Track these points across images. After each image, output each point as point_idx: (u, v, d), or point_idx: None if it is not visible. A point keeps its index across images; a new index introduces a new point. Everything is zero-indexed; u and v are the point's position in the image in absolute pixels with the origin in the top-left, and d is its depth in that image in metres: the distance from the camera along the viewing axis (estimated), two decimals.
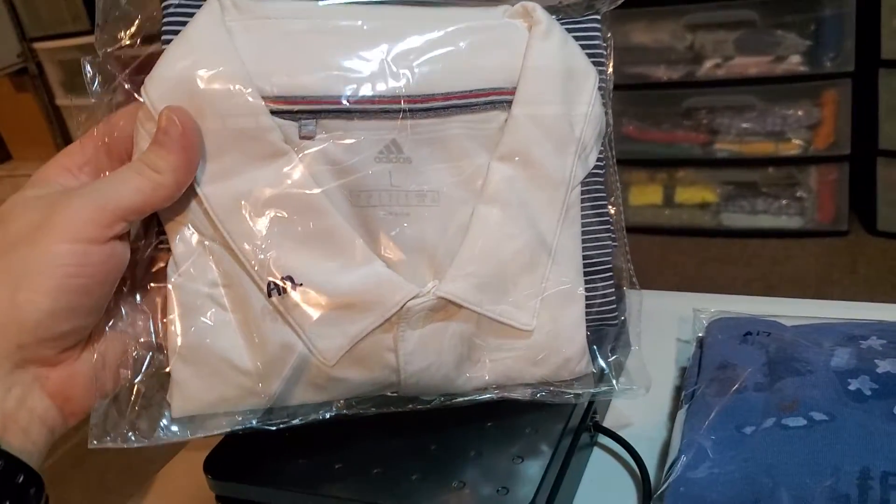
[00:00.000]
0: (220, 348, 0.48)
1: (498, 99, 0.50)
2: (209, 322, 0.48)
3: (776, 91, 2.18)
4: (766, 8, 2.11)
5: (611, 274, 0.54)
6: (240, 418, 0.49)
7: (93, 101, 0.50)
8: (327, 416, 0.50)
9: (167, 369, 0.48)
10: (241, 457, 0.54)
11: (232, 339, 0.48)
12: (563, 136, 0.51)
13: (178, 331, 0.48)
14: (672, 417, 0.58)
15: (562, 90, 0.51)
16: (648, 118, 2.30)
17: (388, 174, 0.49)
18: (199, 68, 0.47)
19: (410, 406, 0.51)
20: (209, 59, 0.47)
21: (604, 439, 0.59)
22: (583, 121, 0.52)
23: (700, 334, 0.64)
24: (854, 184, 2.20)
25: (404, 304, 0.47)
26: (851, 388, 0.52)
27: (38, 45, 3.26)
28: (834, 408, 0.51)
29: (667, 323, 0.56)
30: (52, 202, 0.45)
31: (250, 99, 0.47)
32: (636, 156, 2.34)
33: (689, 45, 2.21)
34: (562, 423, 0.53)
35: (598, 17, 0.54)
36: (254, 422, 0.49)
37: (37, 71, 3.34)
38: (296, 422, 0.49)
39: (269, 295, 0.47)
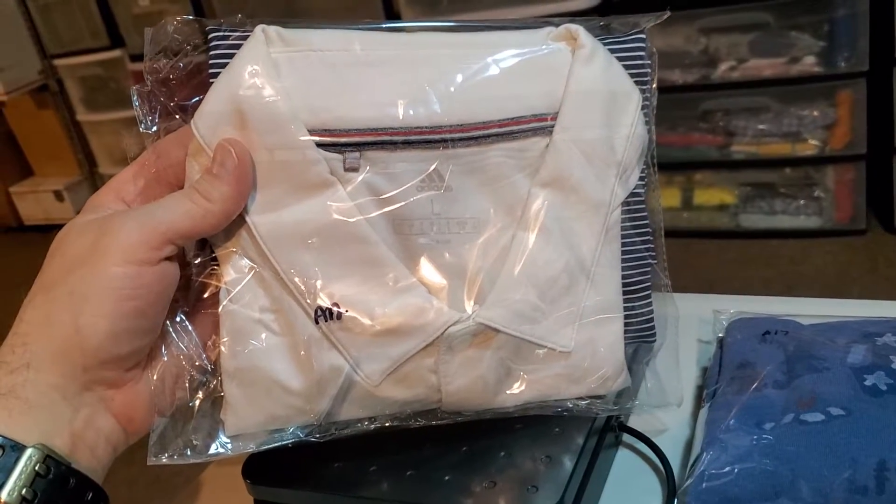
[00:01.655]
0: (271, 370, 0.50)
1: (539, 126, 0.51)
2: (260, 346, 0.50)
3: (791, 92, 2.18)
4: (780, 10, 2.12)
5: (649, 293, 0.55)
6: (289, 433, 0.51)
7: (143, 129, 0.52)
8: (371, 427, 0.52)
9: (219, 395, 0.50)
10: (278, 461, 0.55)
11: (281, 362, 0.50)
12: (605, 159, 0.52)
13: (231, 354, 0.50)
14: (694, 416, 0.59)
15: (604, 114, 0.52)
16: (665, 122, 2.31)
17: (430, 202, 0.50)
18: (245, 102, 0.48)
19: (450, 419, 0.53)
20: (255, 93, 0.48)
21: (629, 438, 0.60)
22: (625, 143, 0.52)
23: (720, 335, 0.65)
24: (871, 182, 2.20)
25: (445, 330, 0.49)
26: (867, 383, 0.53)
27: (58, 62, 3.30)
28: (851, 403, 0.52)
29: (688, 324, 0.58)
30: (105, 225, 0.47)
31: (296, 133, 0.48)
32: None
33: (704, 48, 2.22)
34: (588, 423, 0.55)
35: (643, 35, 0.54)
36: (301, 434, 0.51)
37: (57, 88, 3.38)
38: (343, 433, 0.51)
39: (317, 321, 0.49)
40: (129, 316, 0.46)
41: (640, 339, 0.55)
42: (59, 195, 3.57)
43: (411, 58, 0.51)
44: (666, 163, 2.35)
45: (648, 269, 0.55)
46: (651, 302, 0.55)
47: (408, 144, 0.49)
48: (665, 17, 0.55)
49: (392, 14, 2.45)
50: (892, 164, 2.16)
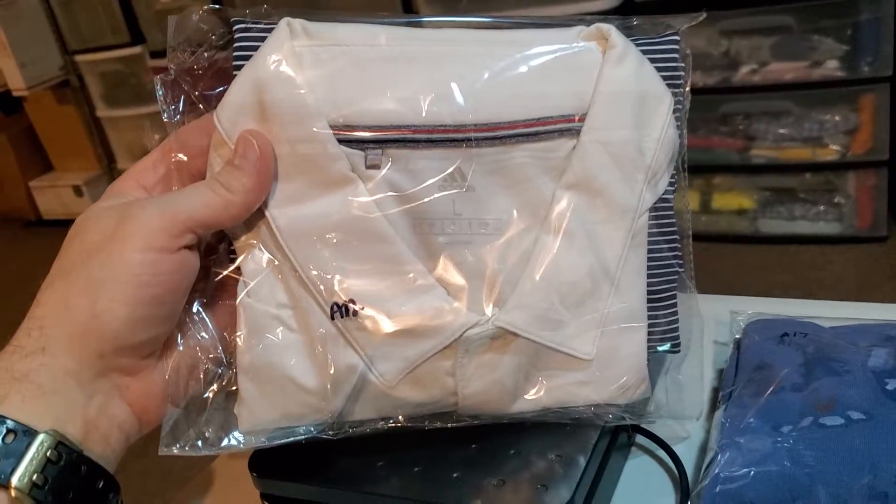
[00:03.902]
0: (286, 367, 0.49)
1: (566, 127, 0.50)
2: (276, 341, 0.49)
3: (813, 96, 2.17)
4: (803, 13, 2.10)
5: (675, 301, 0.54)
6: (302, 429, 0.51)
7: (164, 119, 0.52)
8: (386, 427, 0.51)
9: (233, 387, 0.50)
10: (285, 455, 0.54)
11: (297, 359, 0.49)
12: (633, 163, 0.50)
13: (246, 349, 0.49)
14: (709, 418, 0.58)
15: (634, 117, 0.50)
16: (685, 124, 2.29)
17: (451, 202, 0.49)
18: (268, 95, 0.48)
19: (468, 421, 0.52)
20: (279, 86, 0.48)
21: (641, 439, 0.59)
22: (654, 146, 0.51)
23: (737, 336, 0.64)
24: (893, 189, 2.18)
25: (464, 333, 0.48)
26: (889, 387, 0.52)
27: (79, 58, 3.31)
28: (872, 407, 0.51)
29: (704, 325, 0.57)
30: (125, 211, 0.47)
31: (318, 127, 0.48)
32: None
33: (725, 50, 2.20)
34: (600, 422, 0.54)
35: (677, 37, 0.53)
36: (314, 431, 0.51)
37: (78, 83, 3.40)
38: (357, 431, 0.51)
39: (332, 317, 0.48)
40: (147, 303, 0.46)
41: (664, 348, 0.54)
42: (78, 190, 3.59)
43: (437, 54, 0.50)
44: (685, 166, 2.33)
45: (675, 276, 0.54)
46: (676, 311, 0.54)
47: (431, 142, 0.49)
48: (701, 18, 0.53)
49: (410, 9, 2.44)
50: None
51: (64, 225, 0.49)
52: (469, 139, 0.49)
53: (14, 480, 0.41)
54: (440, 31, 0.52)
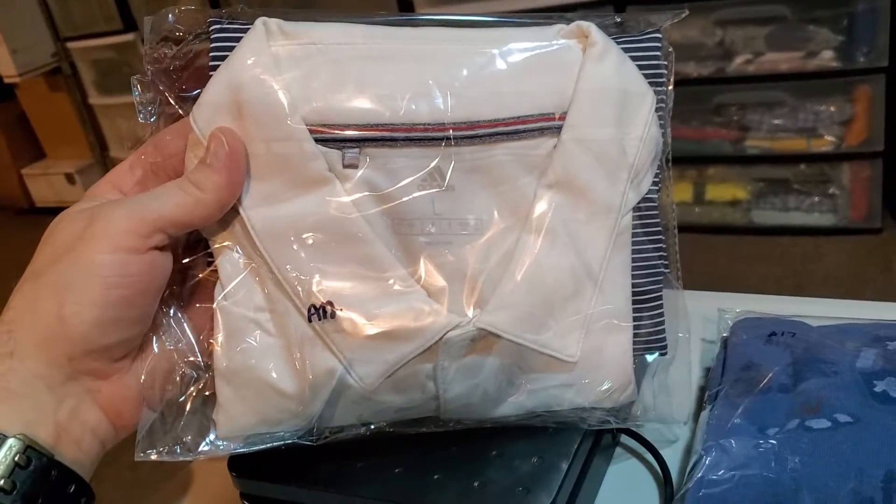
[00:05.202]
0: (263, 371, 0.48)
1: (546, 125, 0.49)
2: (253, 345, 0.48)
3: (808, 87, 2.16)
4: (798, 3, 2.09)
5: (661, 302, 0.53)
6: (281, 434, 0.50)
7: (140, 119, 0.51)
8: (367, 433, 0.51)
9: (210, 392, 0.49)
10: (265, 455, 0.53)
11: (275, 363, 0.48)
12: (615, 161, 0.50)
13: (223, 353, 0.48)
14: (695, 418, 0.58)
15: (615, 115, 0.50)
16: (678, 115, 2.28)
17: (430, 202, 0.48)
18: (244, 94, 0.47)
19: (451, 426, 0.51)
20: (254, 85, 0.47)
21: (626, 439, 0.58)
22: (637, 145, 0.50)
23: (725, 334, 0.63)
24: (888, 181, 2.17)
25: (444, 335, 0.47)
26: (877, 389, 0.51)
27: (71, 45, 3.30)
28: (859, 410, 0.50)
29: (691, 323, 0.56)
30: (94, 213, 0.46)
31: (294, 126, 0.47)
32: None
33: (720, 41, 2.19)
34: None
35: (660, 34, 0.52)
36: (295, 438, 0.50)
37: (70, 71, 3.38)
38: (338, 437, 0.50)
39: (310, 319, 0.47)
40: (116, 305, 0.45)
41: (651, 350, 0.53)
42: (70, 178, 3.58)
43: (415, 52, 0.49)
44: (678, 157, 2.32)
45: (660, 277, 0.53)
46: (662, 312, 0.53)
47: (409, 141, 0.48)
48: (683, 15, 0.53)
49: (406, 5, 2.43)
50: None
51: (57, 213, 0.48)
52: (448, 138, 0.48)
53: None
54: (419, 30, 0.51)
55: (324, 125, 0.47)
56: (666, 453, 0.56)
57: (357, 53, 0.49)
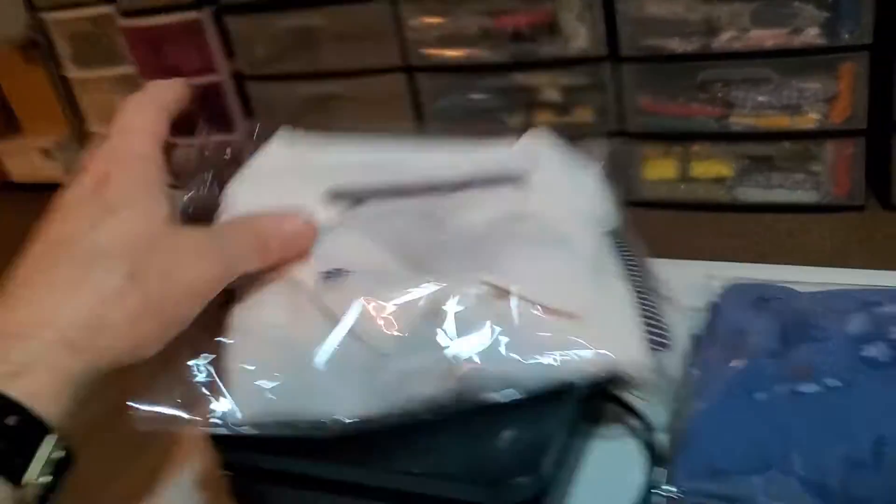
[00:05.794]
0: (278, 358, 0.49)
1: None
2: (268, 318, 0.51)
3: (793, 64, 2.15)
4: None
5: (659, 299, 0.54)
6: (292, 423, 0.49)
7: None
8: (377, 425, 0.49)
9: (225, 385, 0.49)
10: None
11: (290, 357, 0.49)
12: (580, 203, 0.58)
13: (236, 355, 0.49)
14: (684, 384, 0.57)
15: (570, 179, 0.59)
16: (663, 91, 2.27)
17: (424, 231, 0.56)
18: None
19: (466, 404, 0.50)
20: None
21: (612, 406, 0.57)
22: (593, 194, 0.59)
23: (712, 301, 0.63)
24: (870, 158, 2.17)
25: (450, 297, 0.49)
26: (866, 354, 0.51)
27: (46, 17, 3.24)
28: (848, 374, 0.50)
29: (679, 290, 0.55)
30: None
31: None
32: (651, 129, 2.32)
33: (705, 16, 2.18)
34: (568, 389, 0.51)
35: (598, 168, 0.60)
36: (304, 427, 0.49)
37: (45, 43, 3.32)
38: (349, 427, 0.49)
39: (321, 282, 0.50)
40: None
41: (652, 345, 0.52)
42: (47, 153, 3.53)
43: (393, 160, 0.60)
44: (663, 133, 2.32)
45: (653, 280, 0.55)
46: (660, 308, 0.54)
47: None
48: (611, 148, 0.61)
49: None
50: (892, 141, 2.13)
51: (33, 189, 0.47)
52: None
53: None
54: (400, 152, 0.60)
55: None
56: (653, 419, 0.55)
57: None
